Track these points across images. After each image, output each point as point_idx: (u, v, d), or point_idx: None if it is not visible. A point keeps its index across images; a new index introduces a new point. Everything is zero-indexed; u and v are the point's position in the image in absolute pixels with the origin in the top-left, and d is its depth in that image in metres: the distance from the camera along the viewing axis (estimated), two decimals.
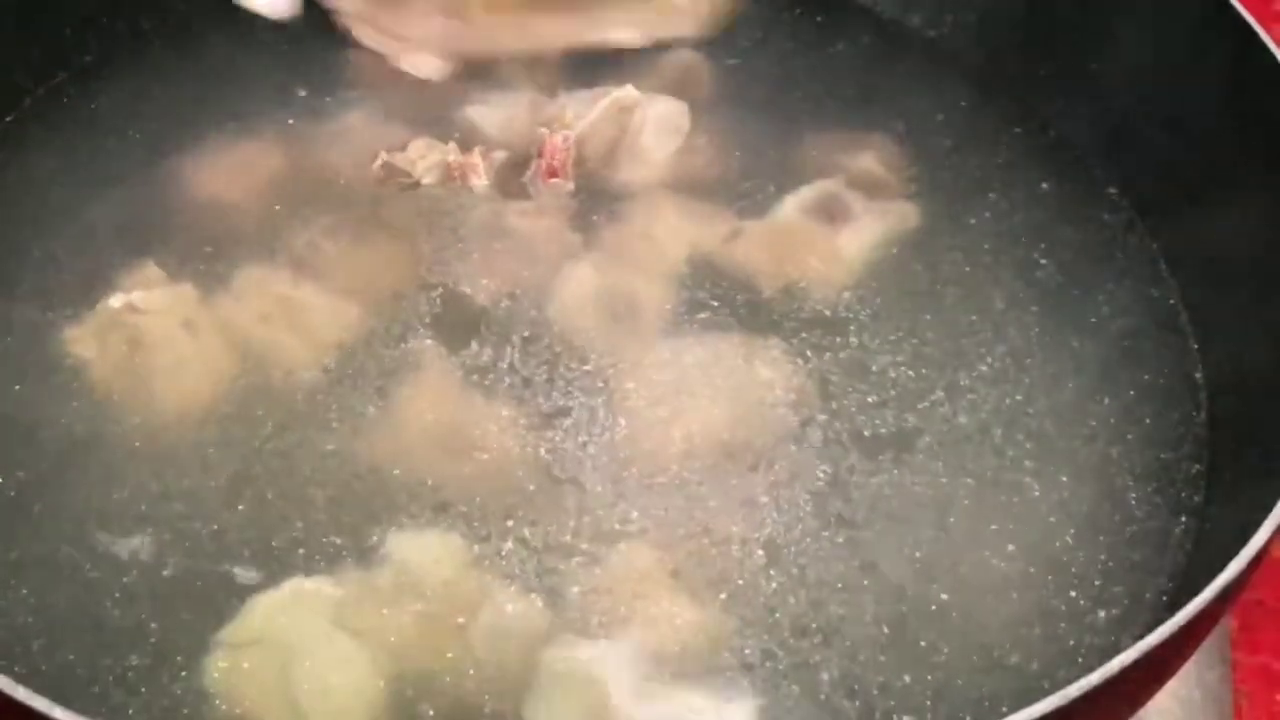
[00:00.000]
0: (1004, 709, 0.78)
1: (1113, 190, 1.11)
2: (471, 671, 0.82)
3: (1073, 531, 0.90)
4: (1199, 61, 1.02)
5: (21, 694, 0.65)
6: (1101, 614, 0.86)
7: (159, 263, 1.01)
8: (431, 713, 0.81)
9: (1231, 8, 0.99)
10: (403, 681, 0.82)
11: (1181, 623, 0.70)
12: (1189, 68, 1.04)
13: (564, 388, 0.95)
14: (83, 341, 0.96)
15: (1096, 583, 0.88)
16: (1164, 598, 0.87)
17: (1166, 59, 1.05)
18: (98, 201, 1.06)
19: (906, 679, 0.83)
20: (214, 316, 0.98)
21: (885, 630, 0.85)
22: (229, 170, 1.09)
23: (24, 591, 0.85)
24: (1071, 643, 0.85)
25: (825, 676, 0.83)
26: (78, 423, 0.93)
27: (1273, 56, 0.96)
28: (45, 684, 0.79)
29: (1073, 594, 0.87)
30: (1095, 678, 0.66)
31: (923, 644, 0.84)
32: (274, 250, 1.03)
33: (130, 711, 0.80)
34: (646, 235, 1.05)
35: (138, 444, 0.92)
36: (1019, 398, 0.97)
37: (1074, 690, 0.65)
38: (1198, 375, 0.99)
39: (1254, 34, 0.97)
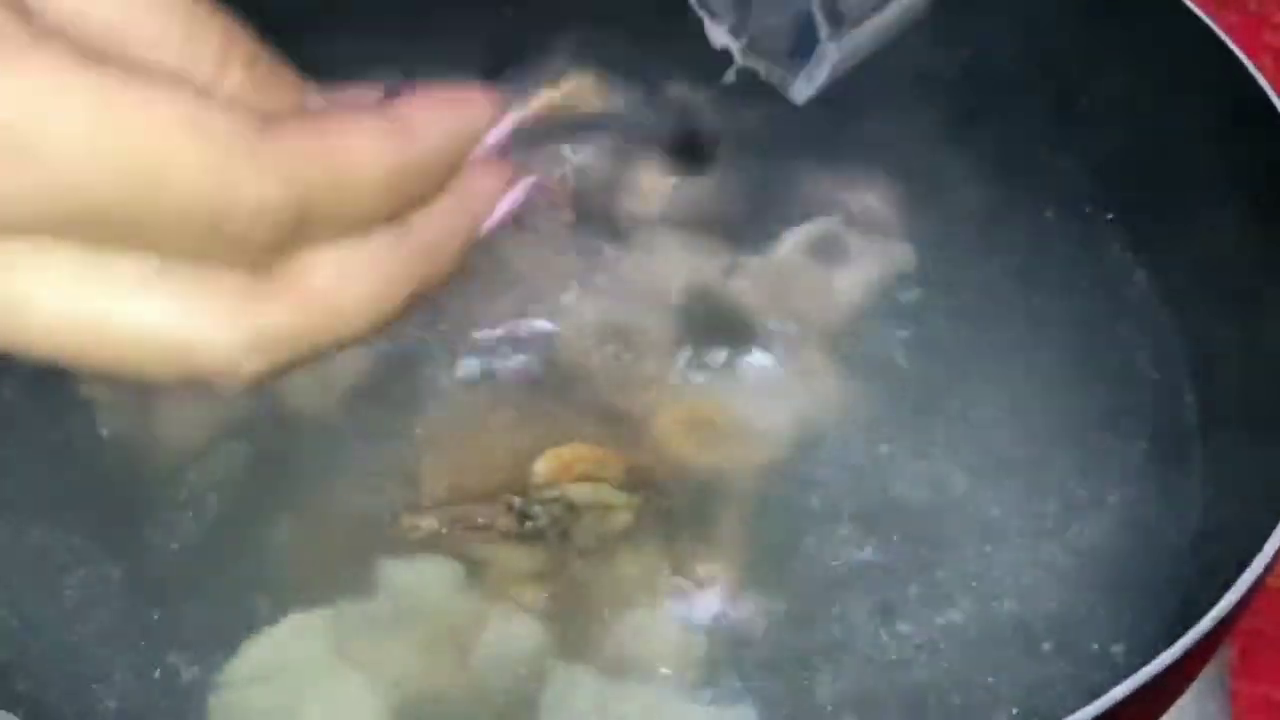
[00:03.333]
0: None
1: (1110, 220, 1.11)
2: (476, 697, 0.82)
3: (1067, 563, 0.90)
4: (1190, 93, 1.03)
5: None
6: (1096, 646, 0.86)
7: None
8: None
9: (1223, 42, 1.00)
10: (408, 710, 0.82)
11: (1179, 654, 0.70)
12: (1181, 99, 1.05)
13: (569, 419, 0.96)
14: (92, 384, 0.96)
15: (1091, 614, 0.88)
16: (1163, 627, 0.87)
17: (1158, 91, 1.06)
18: None
19: (895, 704, 0.83)
20: None
21: (876, 652, 0.85)
22: None
23: (14, 631, 0.85)
24: (1066, 675, 0.85)
25: (821, 693, 0.83)
26: (86, 463, 0.93)
27: (1259, 88, 0.96)
28: None
29: (1067, 625, 0.87)
30: (1091, 710, 0.66)
31: (913, 673, 0.85)
32: None
33: None
34: (644, 269, 1.06)
35: (145, 483, 0.92)
36: (1016, 431, 0.97)
37: None
38: (1195, 403, 1.00)
39: (1243, 66, 0.98)
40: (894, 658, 0.85)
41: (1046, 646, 0.86)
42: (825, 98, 1.19)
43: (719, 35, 0.81)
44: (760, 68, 0.79)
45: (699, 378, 0.98)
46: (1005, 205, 1.12)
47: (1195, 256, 1.03)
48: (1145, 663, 0.70)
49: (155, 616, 0.85)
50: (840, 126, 1.17)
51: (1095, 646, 0.86)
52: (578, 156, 1.11)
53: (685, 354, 1.00)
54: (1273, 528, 0.77)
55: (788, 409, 0.97)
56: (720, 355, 1.00)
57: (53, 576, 0.87)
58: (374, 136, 0.42)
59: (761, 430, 0.95)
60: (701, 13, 0.80)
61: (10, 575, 0.87)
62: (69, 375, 0.96)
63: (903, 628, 0.86)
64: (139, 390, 0.95)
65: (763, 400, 0.97)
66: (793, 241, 1.08)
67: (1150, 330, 1.04)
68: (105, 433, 0.94)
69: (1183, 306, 1.04)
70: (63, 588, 0.87)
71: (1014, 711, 0.83)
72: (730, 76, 0.80)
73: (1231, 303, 0.99)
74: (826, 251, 1.07)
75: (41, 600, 0.86)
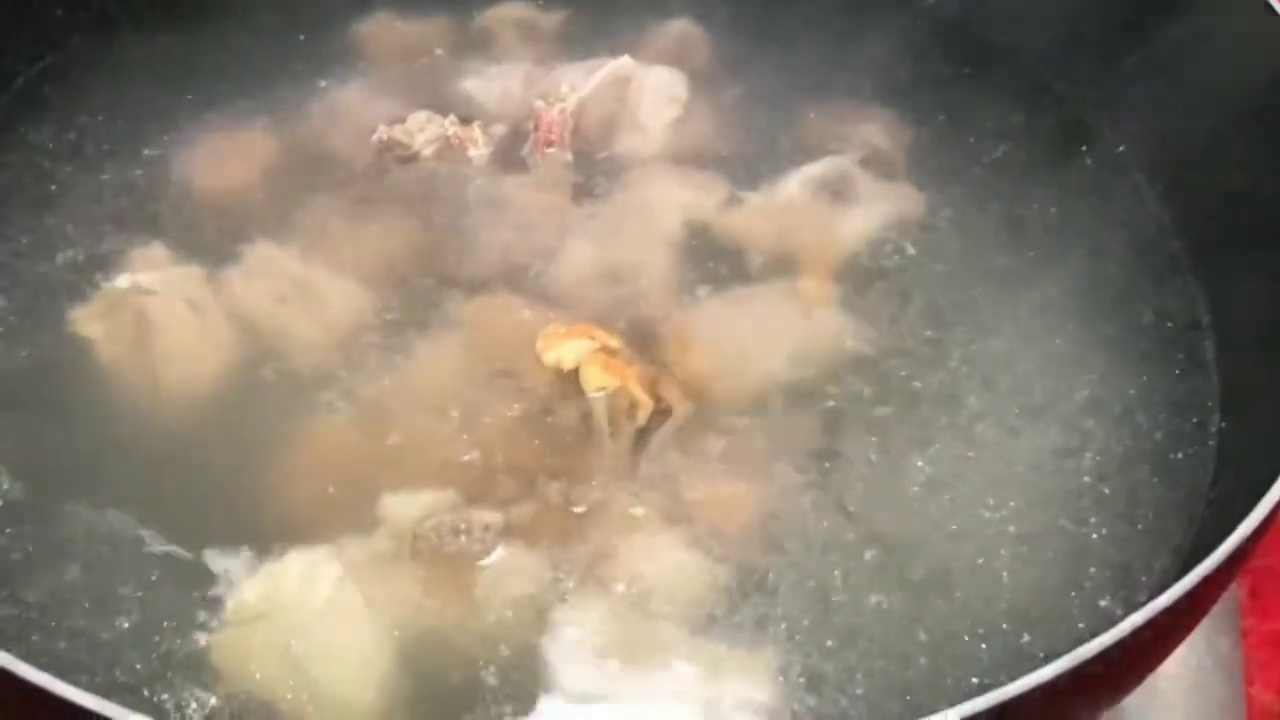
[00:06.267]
0: (1017, 672, 0.78)
1: (1122, 153, 1.10)
2: (478, 628, 0.81)
3: (1085, 498, 0.89)
4: (1203, 17, 1.01)
5: (24, 670, 0.64)
6: (1112, 578, 0.85)
7: (164, 243, 1.00)
8: (441, 671, 0.80)
9: None
10: (411, 643, 0.81)
11: (1190, 586, 0.69)
12: (1193, 29, 1.03)
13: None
14: (89, 322, 0.95)
15: (1109, 548, 0.87)
16: (1175, 561, 0.86)
17: (1169, 19, 1.05)
18: (97, 182, 1.05)
19: (920, 639, 0.82)
20: (221, 297, 0.97)
21: (903, 591, 0.84)
22: (229, 149, 1.08)
23: (31, 571, 0.84)
24: (1084, 607, 0.84)
25: (842, 630, 0.82)
26: (84, 403, 0.92)
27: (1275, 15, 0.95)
28: (51, 664, 0.79)
29: (1085, 559, 0.86)
30: (1106, 639, 0.65)
31: (938, 606, 0.84)
32: (280, 230, 1.02)
33: (138, 692, 0.79)
34: (644, 205, 1.04)
35: (144, 424, 0.91)
36: (1030, 365, 0.96)
37: (1086, 651, 0.65)
38: (1210, 345, 0.98)
39: None
40: (910, 591, 0.84)
41: (1061, 581, 0.85)
42: (828, 24, 1.19)
43: None
44: None
45: (698, 311, 0.97)
46: (1017, 144, 1.10)
47: (1210, 188, 1.02)
48: (1157, 595, 0.69)
49: (162, 556, 0.84)
50: (839, 59, 1.16)
51: (1111, 579, 0.85)
52: (577, 94, 1.09)
53: (683, 287, 0.99)
54: None
55: (790, 340, 0.95)
56: (719, 289, 0.99)
57: (61, 521, 0.86)
58: None
59: (766, 362, 0.94)
60: None
61: (21, 516, 0.86)
62: (68, 325, 0.96)
63: (916, 565, 0.85)
64: (138, 329, 0.94)
65: (766, 333, 0.96)
66: (800, 179, 1.06)
67: (1167, 265, 1.03)
68: (107, 377, 0.93)
69: (1199, 240, 1.03)
70: (69, 529, 0.86)
71: (1027, 647, 0.82)
72: None
73: (1248, 235, 0.97)
74: (834, 190, 1.06)
75: (52, 543, 0.85)
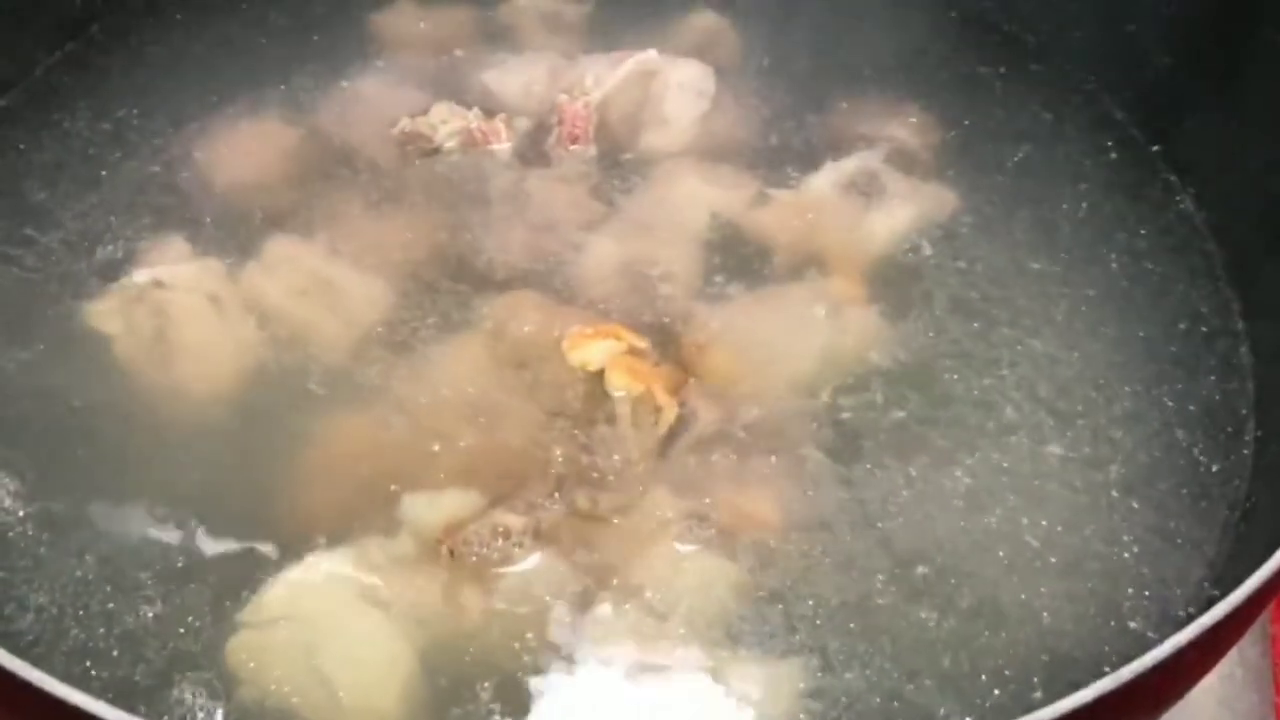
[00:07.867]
0: (1059, 690, 0.77)
1: (1154, 152, 1.08)
2: (502, 636, 0.80)
3: (1123, 519, 0.88)
4: (1236, 19, 1.00)
5: (35, 677, 0.64)
6: (1148, 595, 0.84)
7: (184, 237, 0.99)
8: (461, 677, 0.79)
9: None
10: (433, 648, 0.80)
11: (1235, 605, 0.68)
12: (1227, 25, 1.01)
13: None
14: (107, 317, 0.95)
15: (1145, 567, 0.85)
16: (1211, 575, 0.85)
17: (1204, 16, 1.03)
18: (115, 175, 1.05)
19: (960, 660, 0.81)
20: (241, 292, 0.96)
21: (945, 611, 0.83)
22: (249, 141, 1.07)
23: (46, 569, 0.83)
24: (1125, 625, 0.83)
25: (867, 642, 0.81)
26: (102, 399, 0.91)
27: None
28: (63, 666, 0.79)
29: (1122, 579, 0.85)
30: (1147, 660, 0.64)
31: (979, 630, 0.82)
32: (300, 224, 1.01)
33: (153, 695, 0.78)
34: (670, 202, 1.03)
35: (162, 421, 0.90)
36: (1068, 370, 0.94)
37: (1127, 673, 0.64)
38: (1245, 351, 0.97)
39: None
40: (940, 603, 0.83)
41: (1098, 602, 0.84)
42: (855, 19, 1.18)
43: None
44: None
45: (725, 310, 0.96)
46: (1047, 143, 1.09)
47: (1247, 189, 1.00)
48: (1193, 609, 0.68)
49: (180, 556, 0.83)
50: (867, 54, 1.15)
51: (1147, 598, 0.84)
52: (601, 88, 1.08)
53: (709, 287, 0.98)
54: None
55: (819, 342, 0.94)
56: (745, 288, 0.97)
57: (78, 518, 0.85)
58: None
59: (794, 364, 0.93)
60: None
61: (38, 513, 0.86)
62: (86, 320, 0.95)
63: (948, 577, 0.84)
64: (156, 324, 0.93)
65: (794, 334, 0.94)
66: (827, 176, 1.05)
67: (1201, 268, 1.01)
68: (125, 372, 0.92)
69: (1235, 243, 1.01)
70: (86, 528, 0.85)
71: (1067, 666, 0.81)
72: None
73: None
74: (863, 188, 1.04)
75: (67, 541, 0.84)
